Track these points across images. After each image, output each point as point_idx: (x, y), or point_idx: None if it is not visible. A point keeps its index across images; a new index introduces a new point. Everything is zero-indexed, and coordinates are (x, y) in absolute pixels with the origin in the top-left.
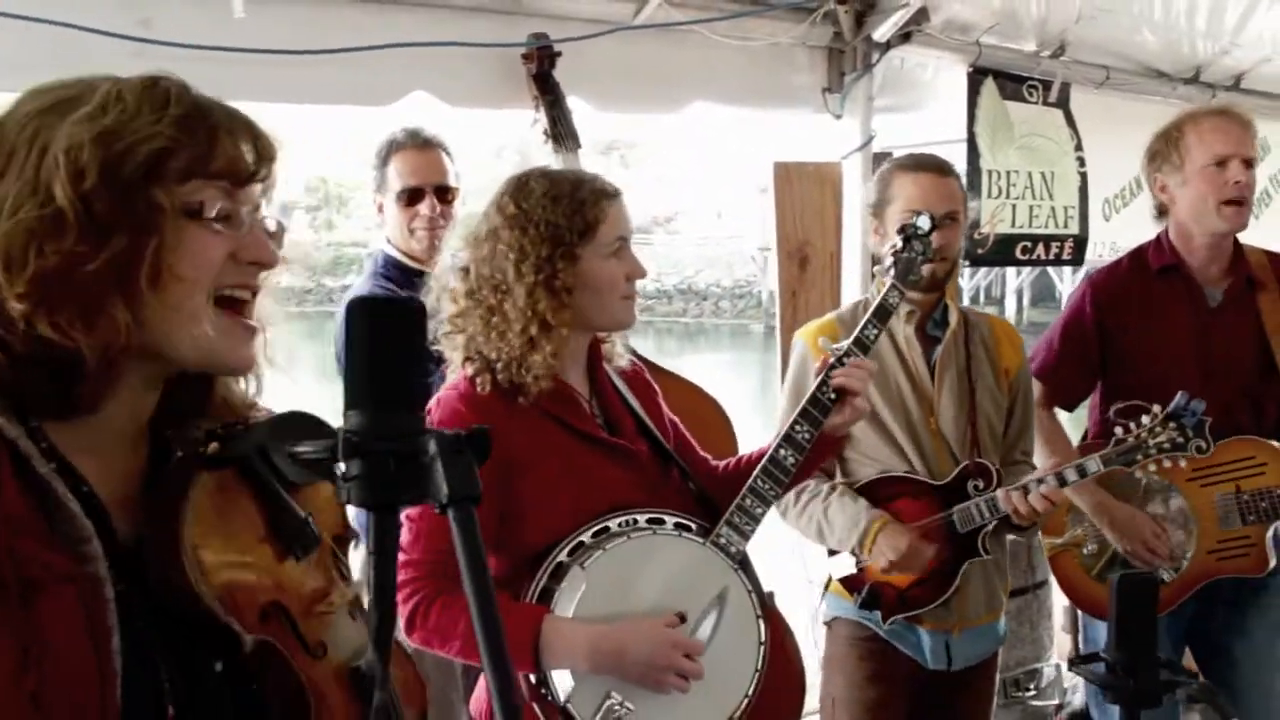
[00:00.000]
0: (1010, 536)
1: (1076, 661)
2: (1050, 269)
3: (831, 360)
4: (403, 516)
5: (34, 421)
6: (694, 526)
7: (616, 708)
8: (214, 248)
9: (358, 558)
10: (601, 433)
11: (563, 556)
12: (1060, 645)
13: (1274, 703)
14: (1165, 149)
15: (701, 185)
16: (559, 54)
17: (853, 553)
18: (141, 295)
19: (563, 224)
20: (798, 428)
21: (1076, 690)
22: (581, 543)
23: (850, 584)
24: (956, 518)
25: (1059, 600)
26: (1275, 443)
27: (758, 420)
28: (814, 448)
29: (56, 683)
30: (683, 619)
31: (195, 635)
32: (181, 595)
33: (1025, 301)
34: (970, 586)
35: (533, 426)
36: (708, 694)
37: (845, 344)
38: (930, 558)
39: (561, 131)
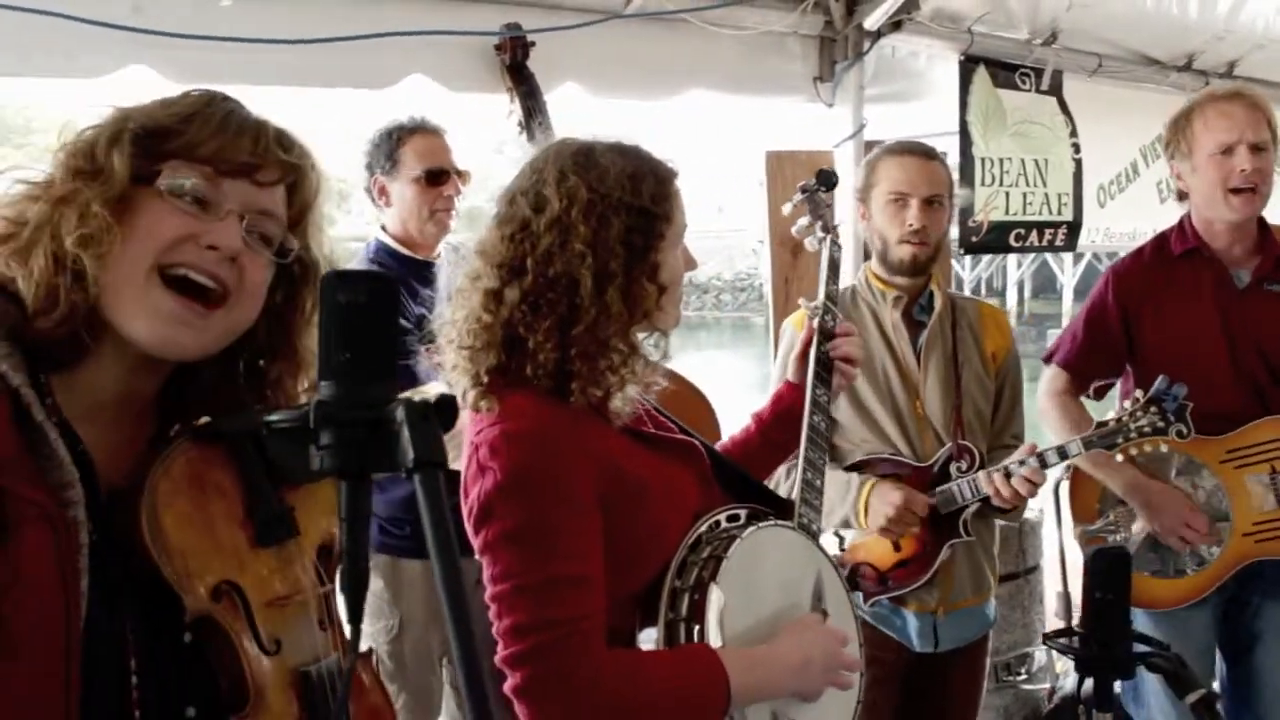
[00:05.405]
0: (1000, 521)
1: (1050, 636)
2: (1051, 260)
3: (815, 323)
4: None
5: (42, 376)
6: (764, 514)
7: None
8: (166, 221)
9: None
10: (662, 433)
11: (675, 583)
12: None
13: None
14: (1175, 137)
15: (702, 178)
16: (533, 44)
17: (837, 534)
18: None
19: (652, 209)
20: (819, 392)
21: (1068, 674)
22: (685, 561)
23: None
24: (938, 499)
25: (1050, 585)
26: None
27: None
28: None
29: (25, 610)
30: (825, 613)
31: (162, 597)
32: (135, 546)
33: (1026, 293)
34: (955, 568)
35: (624, 447)
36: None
37: (819, 301)
38: (923, 514)
39: (536, 123)
